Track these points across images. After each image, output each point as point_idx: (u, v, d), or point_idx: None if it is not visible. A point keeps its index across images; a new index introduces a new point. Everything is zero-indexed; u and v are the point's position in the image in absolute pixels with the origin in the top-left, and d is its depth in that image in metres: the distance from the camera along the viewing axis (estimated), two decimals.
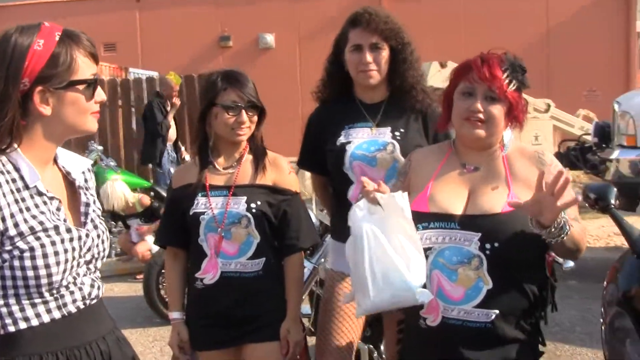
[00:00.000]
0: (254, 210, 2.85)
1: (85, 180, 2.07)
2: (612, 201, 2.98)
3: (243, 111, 2.84)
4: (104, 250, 2.03)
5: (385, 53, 3.02)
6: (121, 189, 7.67)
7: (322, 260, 4.04)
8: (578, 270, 4.63)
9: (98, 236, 1.99)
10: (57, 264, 1.82)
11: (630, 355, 2.52)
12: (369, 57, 2.98)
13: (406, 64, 3.06)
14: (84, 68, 1.87)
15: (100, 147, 8.59)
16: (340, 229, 3.00)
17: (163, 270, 6.03)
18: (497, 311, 2.27)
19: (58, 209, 1.89)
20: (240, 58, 16.85)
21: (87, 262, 1.95)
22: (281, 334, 2.90)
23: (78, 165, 2.05)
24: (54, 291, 1.85)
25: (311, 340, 3.40)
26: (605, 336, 2.79)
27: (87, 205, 2.01)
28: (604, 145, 7.66)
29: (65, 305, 1.88)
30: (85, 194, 2.03)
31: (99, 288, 2.00)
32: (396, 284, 2.18)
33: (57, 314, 1.87)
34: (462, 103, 2.36)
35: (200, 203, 2.88)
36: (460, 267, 2.28)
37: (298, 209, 2.96)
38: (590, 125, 10.47)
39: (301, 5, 17.55)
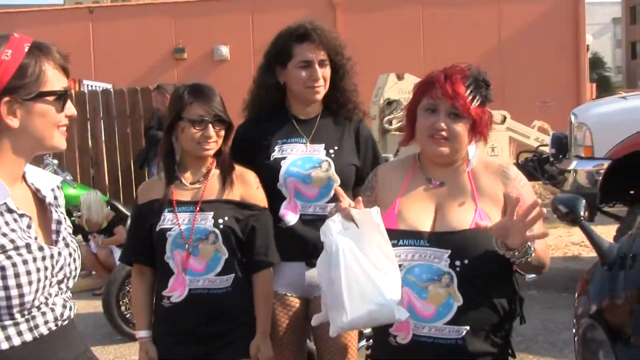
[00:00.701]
0: (221, 226, 2.80)
1: (55, 198, 2.00)
2: (582, 213, 3.00)
3: (210, 125, 2.79)
4: (76, 269, 1.97)
5: (329, 68, 3.02)
6: (102, 202, 7.63)
7: None
8: (538, 281, 4.71)
9: (70, 254, 1.93)
10: (30, 283, 1.75)
11: None
12: (319, 73, 2.96)
13: (345, 79, 3.07)
14: (54, 80, 1.82)
15: (56, 161, 8.46)
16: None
17: (123, 286, 5.98)
18: (467, 327, 2.28)
19: (29, 227, 1.83)
20: (195, 70, 16.79)
21: (59, 282, 1.89)
22: (251, 352, 2.84)
23: (47, 182, 1.99)
24: (25, 312, 1.79)
25: None
26: (578, 348, 2.80)
27: (59, 223, 1.95)
28: (561, 157, 7.78)
29: (37, 326, 1.82)
30: (56, 211, 1.97)
31: (70, 309, 1.94)
32: (374, 300, 2.15)
33: (28, 337, 1.79)
34: (426, 120, 2.35)
35: (167, 219, 2.82)
36: (431, 284, 2.28)
37: (266, 225, 2.92)
38: (546, 136, 10.66)
39: (256, 17, 17.58)
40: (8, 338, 1.76)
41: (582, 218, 3.01)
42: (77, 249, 1.98)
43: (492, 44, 17.22)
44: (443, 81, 2.32)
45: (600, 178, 6.52)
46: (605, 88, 47.05)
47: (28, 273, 1.75)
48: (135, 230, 2.96)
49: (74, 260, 1.96)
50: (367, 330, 3.19)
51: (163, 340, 2.87)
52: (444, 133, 2.31)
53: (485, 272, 2.29)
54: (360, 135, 3.10)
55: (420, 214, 2.36)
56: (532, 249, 2.15)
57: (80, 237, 8.00)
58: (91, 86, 13.45)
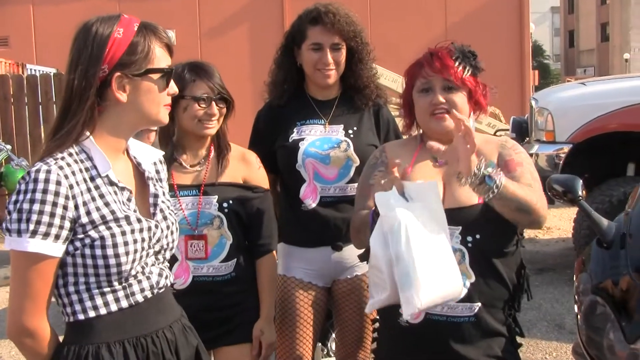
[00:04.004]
0: (226, 210, 2.75)
1: (157, 172, 2.09)
2: (580, 192, 3.06)
3: (213, 103, 2.74)
4: (173, 241, 2.05)
5: (344, 52, 3.00)
6: None
7: None
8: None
9: (167, 227, 2.01)
10: (127, 253, 1.84)
11: (613, 339, 2.60)
12: (330, 57, 2.95)
13: (362, 63, 3.06)
14: (160, 58, 1.91)
15: (9, 146, 8.21)
16: (292, 231, 2.95)
17: None
18: (479, 304, 2.30)
19: (129, 200, 1.92)
20: None
21: (156, 253, 1.98)
22: (254, 335, 2.82)
23: (149, 156, 2.08)
24: (123, 280, 1.88)
25: None
26: (581, 324, 2.85)
27: (156, 196, 2.03)
28: (521, 141, 7.91)
29: (133, 294, 1.91)
30: (155, 185, 2.05)
31: (166, 277, 2.03)
32: (448, 279, 2.09)
33: (124, 303, 1.90)
34: (423, 100, 2.37)
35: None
36: None
37: (270, 208, 2.88)
38: (497, 121, 10.81)
39: (202, 1, 17.32)
40: (106, 304, 1.87)
41: (580, 197, 3.06)
42: (175, 222, 2.05)
43: (439, 31, 17.36)
44: (430, 59, 2.36)
45: (561, 162, 6.65)
46: (544, 75, 48.10)
47: (125, 244, 1.84)
48: None
49: (172, 232, 2.03)
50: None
51: None
52: (444, 107, 2.33)
53: (496, 247, 2.32)
54: (380, 117, 3.09)
55: None
56: (494, 180, 2.12)
57: None
58: (34, 70, 13.01)
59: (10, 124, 9.55)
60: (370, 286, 2.22)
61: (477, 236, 2.27)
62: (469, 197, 2.30)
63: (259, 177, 2.88)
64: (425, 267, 2.04)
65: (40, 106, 9.60)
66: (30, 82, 9.48)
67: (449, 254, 2.12)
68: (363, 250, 2.53)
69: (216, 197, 2.76)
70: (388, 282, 2.10)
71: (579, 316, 2.92)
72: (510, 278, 2.36)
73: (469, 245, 2.27)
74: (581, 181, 3.12)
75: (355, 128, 3.01)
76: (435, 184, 2.16)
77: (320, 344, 3.75)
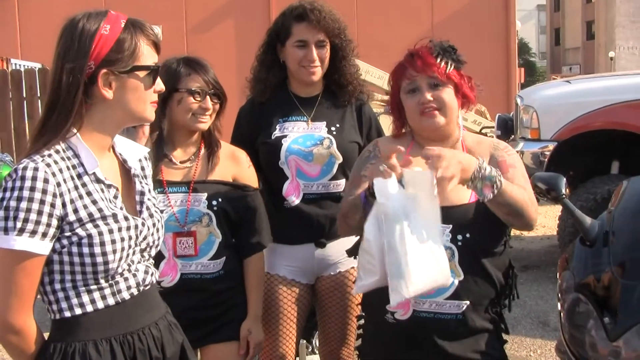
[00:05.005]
0: (215, 208, 2.74)
1: (142, 169, 2.09)
2: (563, 190, 3.08)
3: (208, 97, 2.73)
4: (159, 238, 2.07)
5: (328, 49, 3.00)
6: None
7: None
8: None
9: (153, 225, 2.02)
10: (114, 251, 1.85)
11: (595, 336, 2.62)
12: (315, 54, 2.94)
13: (345, 60, 3.06)
14: (147, 55, 1.91)
15: None
16: (274, 229, 2.93)
17: None
18: (467, 302, 2.32)
19: (115, 197, 1.93)
20: None
21: (142, 250, 1.99)
22: (241, 335, 2.81)
23: (135, 153, 2.07)
24: (109, 278, 1.89)
25: None
26: (564, 322, 2.87)
27: (142, 194, 2.04)
28: (506, 139, 7.94)
29: (119, 291, 1.92)
30: (141, 182, 2.06)
31: (152, 274, 2.04)
32: (438, 268, 2.10)
33: (111, 301, 1.91)
34: (411, 100, 2.39)
35: (158, 200, 2.73)
36: None
37: (259, 206, 2.87)
38: (483, 119, 10.87)
39: None
40: (92, 301, 1.88)
41: (564, 195, 3.08)
42: (160, 219, 2.06)
43: (425, 29, 17.38)
44: (412, 59, 2.38)
45: (546, 159, 6.69)
46: (530, 73, 48.27)
47: (113, 242, 1.85)
48: None
49: (157, 230, 2.05)
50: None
51: None
52: (433, 104, 2.34)
53: (485, 246, 2.34)
54: (362, 114, 3.09)
55: None
56: (496, 178, 2.15)
57: None
58: (18, 65, 12.89)
59: None
60: (359, 269, 2.22)
61: (467, 235, 2.30)
62: (459, 196, 2.33)
63: (249, 175, 2.87)
64: (416, 259, 2.05)
65: (25, 101, 9.50)
66: (15, 77, 9.39)
67: (439, 243, 2.13)
68: (352, 246, 2.54)
69: (205, 194, 2.74)
70: (378, 267, 2.11)
71: (562, 314, 2.94)
72: (498, 277, 2.39)
73: (459, 243, 2.30)
74: (565, 179, 3.14)
75: (338, 125, 3.01)
76: (431, 173, 2.14)
77: (304, 341, 3.75)
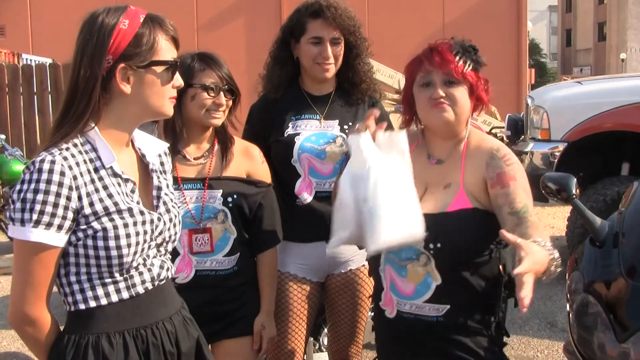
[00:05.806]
0: (230, 205, 2.73)
1: (162, 164, 2.10)
2: (574, 191, 3.06)
3: (222, 93, 2.72)
4: (176, 234, 2.07)
5: (342, 47, 3.00)
6: None
7: None
8: None
9: (170, 220, 2.03)
10: (129, 245, 1.86)
11: (604, 338, 2.61)
12: (329, 51, 2.94)
13: (359, 58, 3.05)
14: (165, 50, 1.92)
15: (3, 136, 8.17)
16: (286, 227, 2.93)
17: None
18: (448, 306, 2.30)
19: (132, 191, 1.94)
20: None
21: (158, 245, 2.00)
22: (255, 330, 2.81)
23: (154, 148, 2.08)
24: (124, 272, 1.90)
25: None
26: (572, 322, 2.86)
27: (159, 189, 2.04)
28: (516, 139, 7.92)
29: (134, 285, 1.93)
30: (158, 177, 2.06)
31: (168, 269, 2.04)
32: (411, 219, 2.11)
33: (125, 295, 1.92)
34: (424, 94, 2.35)
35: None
36: (409, 263, 2.30)
37: (272, 202, 2.86)
38: (493, 119, 10.83)
39: None
40: (107, 295, 1.89)
41: (574, 196, 3.07)
42: (178, 215, 2.07)
43: (436, 28, 17.36)
44: (430, 54, 2.35)
45: (555, 160, 6.67)
46: (541, 74, 48.10)
47: (128, 236, 1.86)
48: None
49: (174, 225, 2.05)
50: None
51: None
52: (444, 101, 2.31)
53: (461, 256, 2.28)
54: None
55: None
56: (555, 257, 2.18)
57: None
58: (30, 60, 12.94)
59: (4, 114, 9.50)
60: (333, 223, 2.24)
61: (438, 244, 2.24)
62: (439, 204, 2.30)
63: (263, 171, 2.87)
64: (389, 210, 2.08)
65: (35, 96, 9.54)
66: (26, 72, 9.43)
67: (413, 199, 2.15)
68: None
69: (220, 191, 2.74)
70: (353, 221, 2.16)
71: (570, 314, 2.93)
72: (481, 286, 2.31)
73: (431, 251, 2.26)
74: (575, 179, 3.13)
75: (350, 123, 2.99)
76: (404, 134, 2.18)
77: (312, 339, 3.75)
